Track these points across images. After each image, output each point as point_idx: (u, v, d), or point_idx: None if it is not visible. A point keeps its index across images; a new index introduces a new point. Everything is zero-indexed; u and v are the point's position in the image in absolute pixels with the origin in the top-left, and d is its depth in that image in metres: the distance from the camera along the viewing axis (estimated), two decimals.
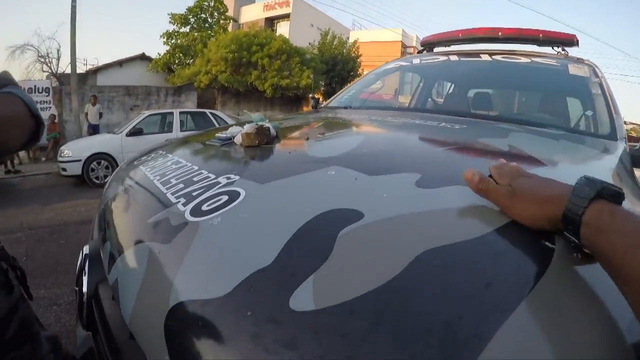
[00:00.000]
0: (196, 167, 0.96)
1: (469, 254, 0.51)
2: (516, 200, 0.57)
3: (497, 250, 0.52)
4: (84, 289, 0.82)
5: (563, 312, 0.43)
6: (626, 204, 0.53)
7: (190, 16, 21.53)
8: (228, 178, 0.83)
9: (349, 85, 3.00)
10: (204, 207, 0.72)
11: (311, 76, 16.46)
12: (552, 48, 2.65)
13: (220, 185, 0.81)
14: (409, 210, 0.63)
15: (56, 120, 12.68)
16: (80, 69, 18.29)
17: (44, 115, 12.45)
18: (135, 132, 8.60)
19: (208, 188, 0.81)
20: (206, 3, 21.91)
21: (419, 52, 3.28)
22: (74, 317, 2.62)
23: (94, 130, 12.26)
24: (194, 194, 0.80)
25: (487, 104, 2.37)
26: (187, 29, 21.54)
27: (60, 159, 8.50)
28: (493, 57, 2.42)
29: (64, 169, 8.36)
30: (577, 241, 0.49)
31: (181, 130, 9.22)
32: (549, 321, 0.41)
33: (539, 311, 0.42)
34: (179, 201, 0.78)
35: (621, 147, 1.40)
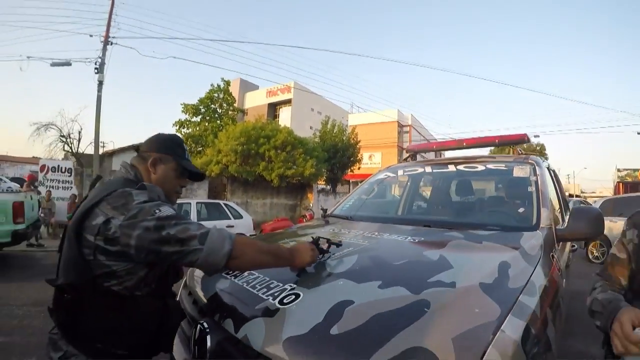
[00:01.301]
0: (267, 278, 1.70)
1: (393, 315, 1.26)
2: None
3: (401, 311, 1.27)
4: (208, 344, 1.51)
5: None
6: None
7: (201, 107, 23.05)
8: (290, 286, 1.56)
9: (349, 193, 3.84)
10: (283, 299, 1.46)
11: (314, 165, 17.49)
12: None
13: (286, 289, 1.55)
14: (374, 298, 1.39)
15: (76, 200, 13.28)
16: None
17: (66, 194, 13.62)
18: None
19: (282, 290, 1.54)
20: (216, 95, 23.50)
21: (405, 159, 4.17)
22: None
23: None
24: (274, 291, 1.55)
25: (449, 210, 3.18)
26: (198, 118, 22.96)
27: None
28: (457, 167, 3.27)
29: None
30: None
31: (198, 219, 9.70)
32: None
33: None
34: (268, 298, 1.51)
35: (541, 233, 2.08)
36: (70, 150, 19.31)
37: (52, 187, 13.65)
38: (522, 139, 3.54)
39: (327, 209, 3.39)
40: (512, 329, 1.23)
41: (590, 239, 2.14)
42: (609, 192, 35.67)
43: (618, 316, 1.16)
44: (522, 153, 3.37)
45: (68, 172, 14.33)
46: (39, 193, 11.73)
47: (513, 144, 3.67)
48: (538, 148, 47.02)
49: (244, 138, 16.76)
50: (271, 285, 1.61)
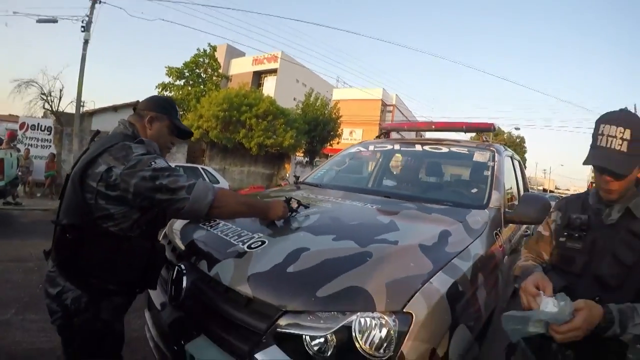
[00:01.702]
0: (239, 228, 1.94)
1: (340, 261, 1.52)
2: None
3: (347, 258, 1.53)
4: (184, 284, 1.74)
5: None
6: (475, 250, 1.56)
7: (186, 70, 22.84)
8: (258, 235, 1.81)
9: (323, 162, 4.08)
10: (251, 245, 1.71)
11: (294, 137, 17.65)
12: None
13: (254, 237, 1.79)
14: (327, 247, 1.65)
15: (55, 160, 13.35)
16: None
17: (44, 153, 13.45)
18: None
19: (250, 238, 1.78)
20: (201, 59, 23.29)
21: (378, 136, 4.41)
22: None
23: None
24: (243, 238, 1.80)
25: (410, 185, 3.45)
26: (182, 82, 22.78)
27: None
28: (423, 147, 3.51)
29: None
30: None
31: None
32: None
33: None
34: (238, 243, 1.75)
35: (489, 212, 2.35)
36: (50, 109, 18.90)
37: (31, 145, 13.52)
38: (488, 128, 3.75)
39: (299, 176, 3.63)
40: (440, 282, 1.50)
41: (536, 224, 2.40)
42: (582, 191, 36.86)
43: (527, 278, 1.41)
44: (486, 141, 3.59)
45: (47, 131, 14.18)
46: (18, 151, 11.47)
47: (480, 131, 3.90)
48: (518, 140, 47.92)
49: (226, 104, 16.77)
50: (242, 234, 1.86)
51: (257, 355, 1.36)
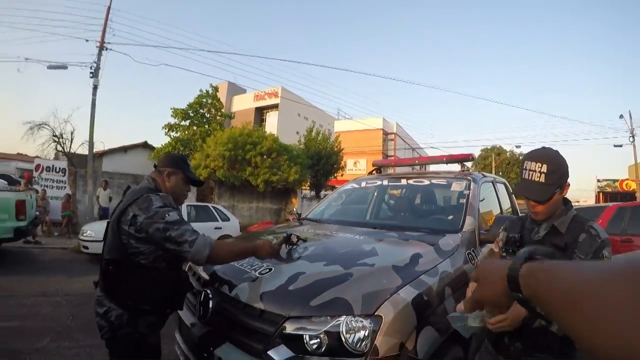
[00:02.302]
0: (252, 260, 2.42)
1: (328, 280, 2.02)
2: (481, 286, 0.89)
3: (334, 278, 2.03)
4: (210, 304, 2.24)
5: None
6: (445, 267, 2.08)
7: (190, 111, 23.49)
8: (266, 264, 2.31)
9: (323, 199, 4.61)
10: (261, 272, 2.22)
11: (299, 172, 18.26)
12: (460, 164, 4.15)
13: (263, 266, 2.30)
14: (319, 270, 2.15)
15: (70, 200, 13.83)
16: (87, 150, 20.32)
17: (60, 193, 14.00)
18: None
19: (260, 267, 2.29)
20: (204, 100, 23.99)
21: (370, 172, 4.92)
22: None
23: (104, 212, 13.53)
24: (255, 268, 2.30)
25: (395, 216, 3.95)
26: (187, 122, 23.45)
27: (82, 237, 9.25)
28: (409, 181, 4.01)
29: (86, 247, 9.12)
30: (520, 295, 0.69)
31: (188, 221, 10.32)
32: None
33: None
34: (251, 271, 2.26)
35: (461, 235, 2.77)
36: (62, 150, 19.70)
37: (47, 186, 14.06)
38: (466, 158, 4.21)
39: (301, 214, 4.14)
40: (406, 293, 1.98)
41: None
42: (591, 202, 37.01)
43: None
44: (465, 170, 4.05)
45: (62, 172, 14.76)
46: (36, 192, 12.04)
47: (460, 162, 4.33)
48: (521, 157, 48.42)
49: (232, 144, 17.37)
50: (253, 264, 2.37)
51: (269, 352, 1.83)
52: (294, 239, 2.59)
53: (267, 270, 2.25)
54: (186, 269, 2.81)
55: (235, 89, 46.28)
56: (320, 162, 22.31)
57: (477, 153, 50.79)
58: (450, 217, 3.31)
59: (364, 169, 39.29)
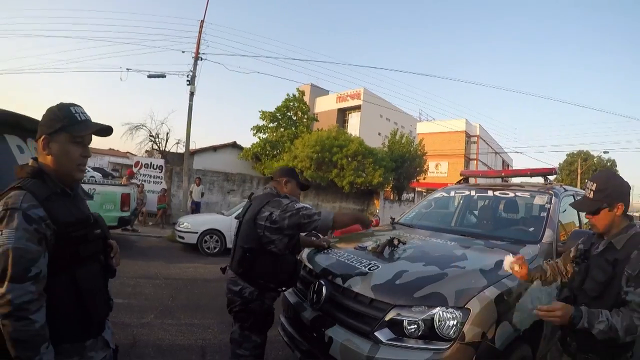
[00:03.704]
0: (359, 257, 2.96)
1: (428, 278, 2.48)
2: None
3: (432, 276, 2.49)
4: (324, 291, 2.76)
5: None
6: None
7: (278, 114, 24.30)
8: (374, 262, 2.82)
9: (413, 206, 5.05)
10: (370, 268, 2.73)
11: (382, 175, 18.58)
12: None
13: (371, 263, 2.80)
14: (419, 270, 2.63)
15: (166, 194, 15.33)
16: (180, 149, 21.87)
17: (156, 188, 15.52)
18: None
19: (369, 264, 2.79)
20: (291, 103, 24.76)
21: (458, 182, 5.27)
22: (223, 333, 4.23)
23: (196, 206, 14.86)
24: (364, 264, 2.81)
25: (480, 225, 4.29)
26: (275, 124, 24.27)
27: (178, 228, 10.20)
28: (494, 192, 4.33)
29: (182, 237, 10.06)
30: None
31: None
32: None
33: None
34: (362, 267, 2.76)
35: (540, 247, 3.11)
36: (157, 149, 21.58)
37: (145, 181, 15.62)
38: (550, 172, 4.44)
39: (394, 218, 4.60)
40: (490, 292, 2.38)
41: None
42: None
43: None
44: (548, 183, 4.28)
45: (159, 169, 16.40)
46: (138, 186, 13.72)
47: (543, 175, 4.50)
48: (609, 164, 45.30)
49: (319, 146, 17.97)
50: (362, 261, 2.88)
51: (376, 333, 2.33)
52: (396, 242, 3.08)
53: (375, 267, 2.75)
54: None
55: (317, 91, 47.08)
56: (403, 165, 22.36)
57: (562, 158, 48.48)
58: (532, 228, 3.57)
59: (445, 172, 38.66)
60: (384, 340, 2.29)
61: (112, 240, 1.75)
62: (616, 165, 47.49)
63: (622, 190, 1.94)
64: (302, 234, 3.06)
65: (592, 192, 1.97)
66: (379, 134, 33.88)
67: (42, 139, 1.46)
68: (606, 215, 1.93)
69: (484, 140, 44.16)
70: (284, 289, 2.94)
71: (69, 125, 1.47)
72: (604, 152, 38.09)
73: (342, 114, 47.23)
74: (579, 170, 39.04)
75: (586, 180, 2.14)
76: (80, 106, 1.55)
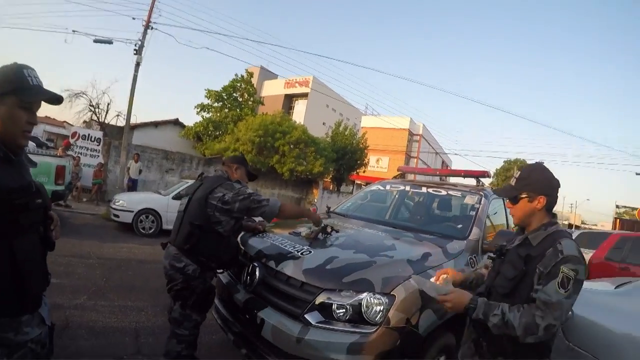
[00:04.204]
0: (293, 242, 3.01)
1: (357, 264, 2.57)
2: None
3: (361, 263, 2.59)
4: (257, 274, 2.80)
5: None
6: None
7: (224, 94, 24.05)
8: (306, 247, 2.88)
9: (349, 197, 5.16)
10: (302, 253, 2.79)
11: (323, 164, 18.83)
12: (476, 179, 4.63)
13: (304, 249, 2.86)
14: (349, 256, 2.72)
15: (102, 169, 14.67)
16: (120, 122, 20.95)
17: (93, 161, 14.77)
18: (179, 196, 9.31)
19: (301, 249, 2.85)
20: (238, 84, 24.57)
21: (395, 177, 5.44)
22: (157, 315, 4.25)
23: (132, 184, 14.39)
24: (297, 249, 2.87)
25: (412, 219, 4.46)
26: (220, 104, 24.02)
27: (114, 206, 9.84)
28: (428, 189, 4.52)
29: (116, 216, 9.72)
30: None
31: None
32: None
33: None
34: (294, 252, 2.81)
35: (467, 243, 3.23)
36: (97, 120, 20.59)
37: (81, 153, 14.79)
38: (482, 174, 4.69)
39: (330, 207, 4.69)
40: (416, 281, 2.50)
41: None
42: (609, 227, 36.87)
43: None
44: (480, 185, 4.50)
45: (97, 142, 15.51)
46: (73, 159, 12.87)
47: (476, 177, 4.76)
48: None
49: (262, 131, 17.94)
50: (295, 246, 2.93)
51: (306, 316, 2.39)
52: (329, 230, 3.16)
53: (308, 252, 2.81)
54: None
55: (266, 74, 46.67)
56: (344, 156, 22.74)
57: (500, 164, 50.70)
58: (460, 225, 3.75)
59: (385, 167, 39.45)
60: (313, 323, 2.37)
61: (52, 212, 1.66)
62: None
63: (545, 184, 1.85)
64: None
65: (515, 180, 1.93)
66: (324, 123, 34.07)
67: None
68: (525, 205, 1.86)
69: (426, 140, 45.46)
70: (222, 270, 3.03)
71: (19, 89, 1.40)
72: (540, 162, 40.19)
73: (289, 100, 47.01)
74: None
75: (514, 170, 2.18)
76: (33, 69, 1.48)
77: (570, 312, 3.00)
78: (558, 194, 1.88)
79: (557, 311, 1.58)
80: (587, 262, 9.67)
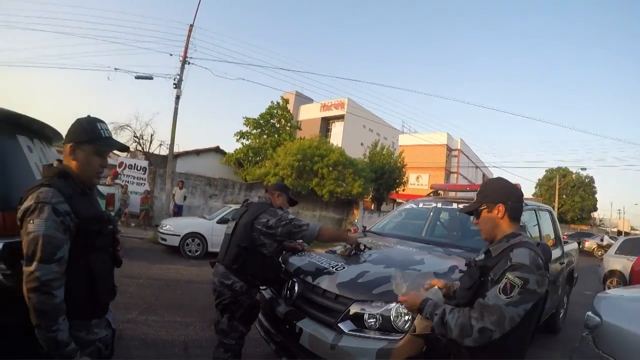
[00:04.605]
0: (328, 260, 3.27)
1: (386, 278, 2.79)
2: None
3: (386, 278, 2.82)
4: (296, 288, 3.08)
5: None
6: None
7: (262, 121, 24.67)
8: (340, 263, 3.14)
9: (386, 215, 5.39)
10: (337, 268, 3.05)
11: (362, 185, 19.01)
12: None
13: (339, 265, 3.12)
14: (379, 271, 2.95)
15: (148, 196, 15.47)
16: (163, 151, 21.91)
17: (139, 189, 15.68)
18: (223, 220, 9.80)
19: (336, 265, 3.11)
20: (275, 111, 25.14)
21: (428, 194, 5.63)
22: (205, 330, 4.55)
23: (178, 209, 15.03)
24: (332, 265, 3.14)
25: (445, 234, 4.63)
26: (258, 131, 24.63)
27: (161, 230, 10.39)
28: (459, 205, 4.68)
29: (164, 239, 10.23)
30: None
31: None
32: None
33: None
34: (330, 268, 3.08)
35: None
36: (141, 150, 21.63)
37: (128, 182, 15.76)
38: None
39: (366, 226, 4.93)
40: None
41: None
42: None
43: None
44: None
45: (142, 170, 16.60)
46: (121, 187, 13.69)
47: None
48: (587, 180, 46.63)
49: (301, 155, 18.36)
50: (331, 263, 3.19)
51: (339, 324, 2.64)
52: (362, 247, 3.41)
53: (342, 267, 3.07)
54: None
55: (302, 99, 46.93)
56: (383, 176, 22.87)
57: (541, 174, 49.78)
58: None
59: (426, 184, 39.04)
60: (346, 331, 2.60)
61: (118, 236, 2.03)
62: (594, 182, 48.89)
63: (502, 192, 1.88)
64: None
65: (475, 195, 1.98)
66: (362, 144, 34.20)
67: (70, 146, 1.74)
68: (487, 218, 1.88)
69: (465, 154, 44.93)
70: (265, 287, 3.37)
71: (95, 139, 1.76)
72: (582, 169, 39.25)
73: (326, 123, 47.26)
74: (557, 186, 40.02)
75: None
76: (104, 122, 1.85)
77: (597, 320, 3.11)
78: (520, 202, 1.90)
79: (493, 316, 1.57)
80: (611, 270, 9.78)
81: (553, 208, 37.72)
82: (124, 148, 1.97)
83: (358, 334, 2.59)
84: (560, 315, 5.94)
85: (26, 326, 1.54)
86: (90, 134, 1.76)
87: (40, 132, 2.65)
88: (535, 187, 51.62)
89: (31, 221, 1.53)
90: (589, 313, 3.18)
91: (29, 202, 1.56)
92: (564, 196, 46.94)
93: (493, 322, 1.57)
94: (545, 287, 1.64)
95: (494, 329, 1.57)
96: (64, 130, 1.87)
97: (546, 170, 47.59)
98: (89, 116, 1.82)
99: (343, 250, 3.43)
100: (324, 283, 2.93)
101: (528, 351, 3.04)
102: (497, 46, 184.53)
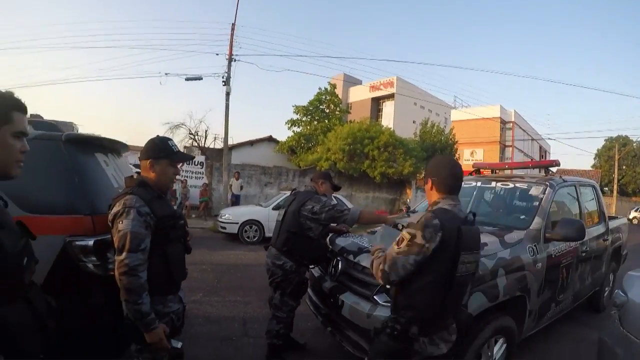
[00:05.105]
0: (368, 239, 3.57)
1: None
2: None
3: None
4: (340, 266, 3.45)
5: None
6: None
7: (311, 108, 25.10)
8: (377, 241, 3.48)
9: None
10: (370, 245, 3.36)
11: (413, 165, 19.05)
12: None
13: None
14: None
15: (207, 188, 16.41)
16: (218, 144, 22.82)
17: (198, 182, 16.76)
18: (279, 207, 9.77)
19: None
20: (324, 97, 25.48)
21: (470, 173, 5.71)
22: (262, 307, 4.88)
23: (235, 199, 15.81)
24: (371, 245, 3.45)
25: (485, 212, 4.77)
26: (308, 118, 25.10)
27: (220, 220, 11.20)
28: (497, 184, 4.85)
29: (224, 228, 11.04)
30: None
31: None
32: None
33: None
34: (368, 246, 3.35)
35: (527, 232, 3.49)
36: (197, 145, 22.58)
37: (187, 176, 16.82)
38: (551, 164, 4.87)
39: (410, 207, 5.22)
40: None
41: (571, 240, 3.25)
42: None
43: None
44: (550, 174, 4.70)
45: (200, 165, 17.75)
46: (181, 182, 14.90)
47: (544, 167, 4.93)
48: None
49: (351, 139, 18.57)
50: (371, 242, 3.50)
51: (375, 296, 2.98)
52: (399, 227, 3.74)
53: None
54: None
55: (351, 81, 46.77)
56: (435, 154, 22.23)
57: (600, 144, 47.42)
58: (523, 216, 3.98)
59: (481, 159, 37.96)
60: (380, 302, 2.93)
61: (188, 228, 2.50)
62: None
63: (433, 169, 2.19)
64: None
65: None
66: (414, 121, 33.63)
67: (149, 162, 2.15)
68: (426, 189, 2.25)
69: (520, 127, 43.25)
70: (313, 266, 3.78)
71: (170, 154, 2.19)
72: None
73: (376, 103, 46.92)
74: (617, 156, 38.02)
75: None
76: (172, 140, 2.31)
77: (624, 298, 3.01)
78: (449, 177, 2.14)
79: (389, 262, 1.99)
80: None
81: (613, 180, 37.30)
82: (191, 158, 2.75)
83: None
84: (605, 294, 5.83)
85: (110, 304, 2.06)
86: (165, 150, 2.19)
87: (111, 147, 3.31)
88: (595, 158, 49.31)
89: (120, 222, 1.97)
90: (618, 290, 3.14)
91: (117, 207, 2.01)
92: (624, 167, 44.61)
93: (389, 266, 2.00)
94: (434, 244, 1.92)
95: (389, 272, 2.00)
96: (130, 137, 2.38)
97: (605, 140, 45.38)
98: (158, 136, 2.27)
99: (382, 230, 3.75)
100: (364, 260, 3.25)
101: (569, 331, 3.80)
102: (552, 16, 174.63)
